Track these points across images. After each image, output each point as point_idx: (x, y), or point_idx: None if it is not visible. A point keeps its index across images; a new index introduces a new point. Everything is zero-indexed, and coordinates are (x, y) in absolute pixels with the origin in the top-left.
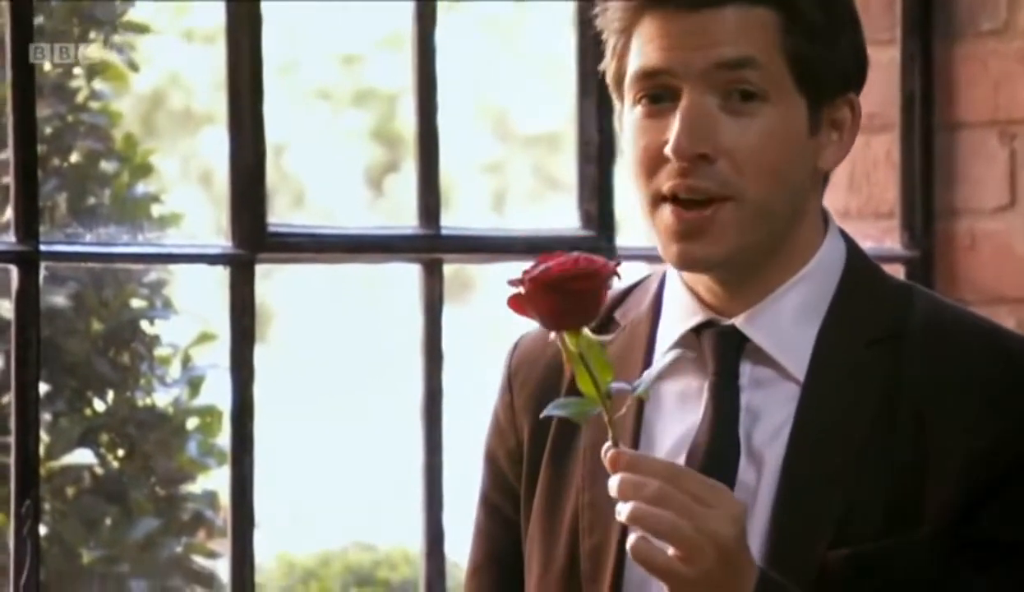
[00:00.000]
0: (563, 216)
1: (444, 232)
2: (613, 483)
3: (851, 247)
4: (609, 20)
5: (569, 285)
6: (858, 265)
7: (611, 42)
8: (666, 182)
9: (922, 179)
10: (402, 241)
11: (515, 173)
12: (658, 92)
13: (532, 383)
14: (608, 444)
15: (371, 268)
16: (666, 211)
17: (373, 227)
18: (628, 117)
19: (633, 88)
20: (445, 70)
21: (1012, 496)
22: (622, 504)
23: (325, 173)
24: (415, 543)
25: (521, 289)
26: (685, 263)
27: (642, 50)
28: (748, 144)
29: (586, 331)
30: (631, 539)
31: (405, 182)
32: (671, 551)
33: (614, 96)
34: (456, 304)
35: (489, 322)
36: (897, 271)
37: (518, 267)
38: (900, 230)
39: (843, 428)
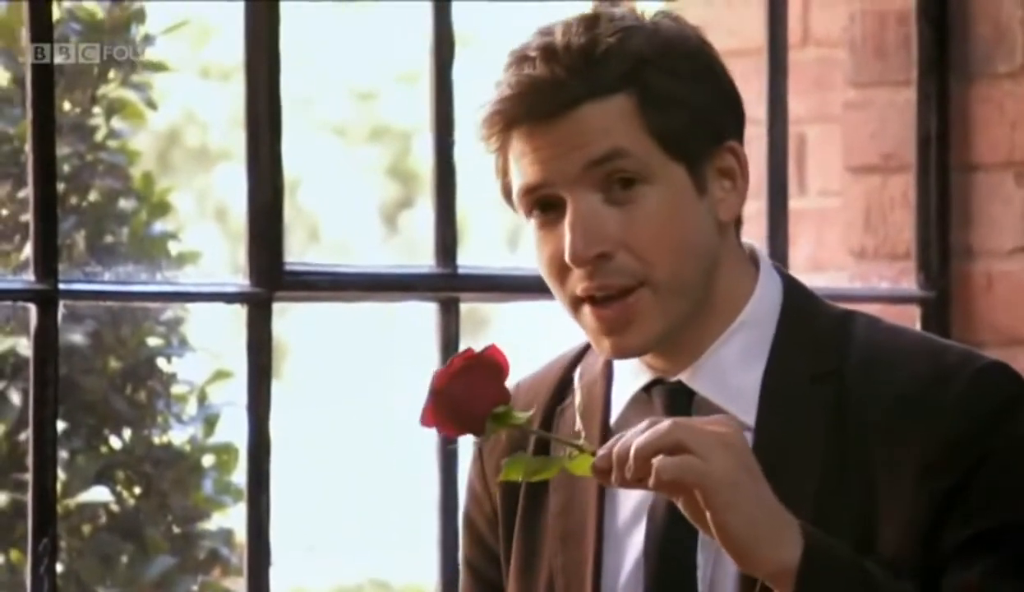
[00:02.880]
0: None
1: (461, 271)
2: (614, 456)
3: (788, 284)
4: (485, 140)
5: (454, 381)
6: (796, 302)
7: (495, 159)
8: (578, 285)
9: (938, 220)
10: (419, 280)
11: None
12: (544, 204)
13: (500, 450)
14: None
15: (387, 306)
16: (586, 312)
17: (390, 266)
18: (530, 229)
19: (521, 205)
20: (460, 106)
21: (970, 502)
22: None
23: (340, 209)
24: (430, 581)
25: (432, 422)
26: (620, 355)
27: (518, 167)
28: (642, 231)
29: (512, 413)
30: (656, 465)
31: (419, 218)
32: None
33: (508, 207)
34: (471, 341)
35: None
36: (913, 312)
37: (534, 306)
38: (916, 271)
39: (797, 467)
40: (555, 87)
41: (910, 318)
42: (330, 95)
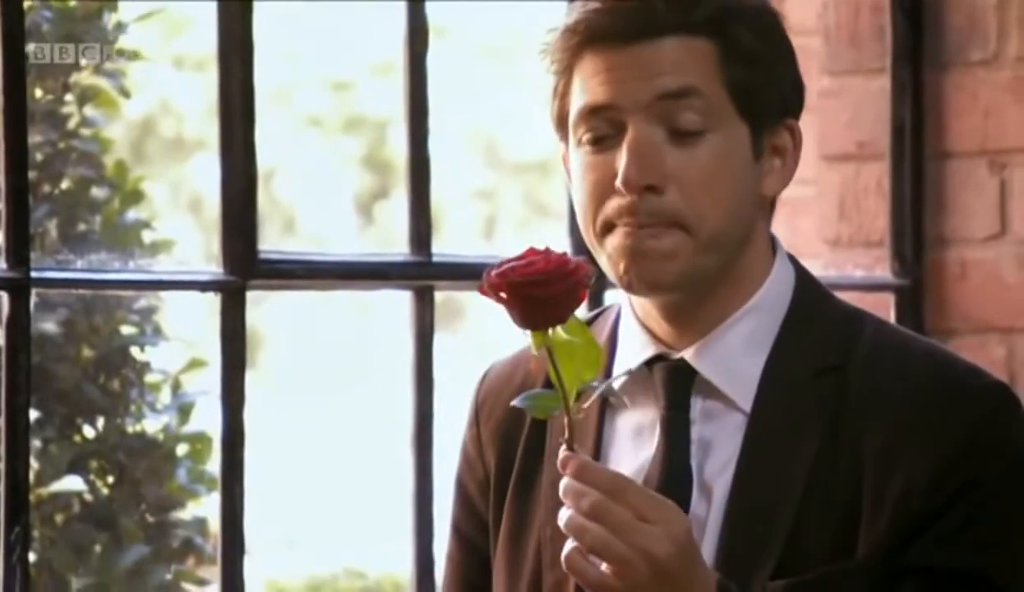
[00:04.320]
0: (553, 243)
1: (435, 259)
2: (561, 485)
3: (800, 274)
4: (550, 61)
5: (531, 291)
6: (807, 293)
7: (553, 82)
8: (617, 216)
9: (912, 208)
10: (393, 268)
11: (505, 200)
12: (603, 132)
13: (498, 414)
14: (564, 446)
15: (362, 294)
16: (616, 233)
17: (364, 254)
18: (574, 156)
19: (579, 127)
20: (436, 97)
21: (948, 526)
22: (563, 510)
23: (315, 199)
24: (405, 570)
25: (488, 283)
26: (636, 283)
27: (585, 87)
28: (695, 172)
29: (559, 330)
30: (566, 549)
31: (395, 209)
32: (605, 565)
33: (557, 136)
34: (447, 330)
35: (480, 348)
36: (887, 300)
37: None
38: (890, 259)
39: (788, 459)
40: (647, 10)
41: (884, 306)
42: (305, 86)
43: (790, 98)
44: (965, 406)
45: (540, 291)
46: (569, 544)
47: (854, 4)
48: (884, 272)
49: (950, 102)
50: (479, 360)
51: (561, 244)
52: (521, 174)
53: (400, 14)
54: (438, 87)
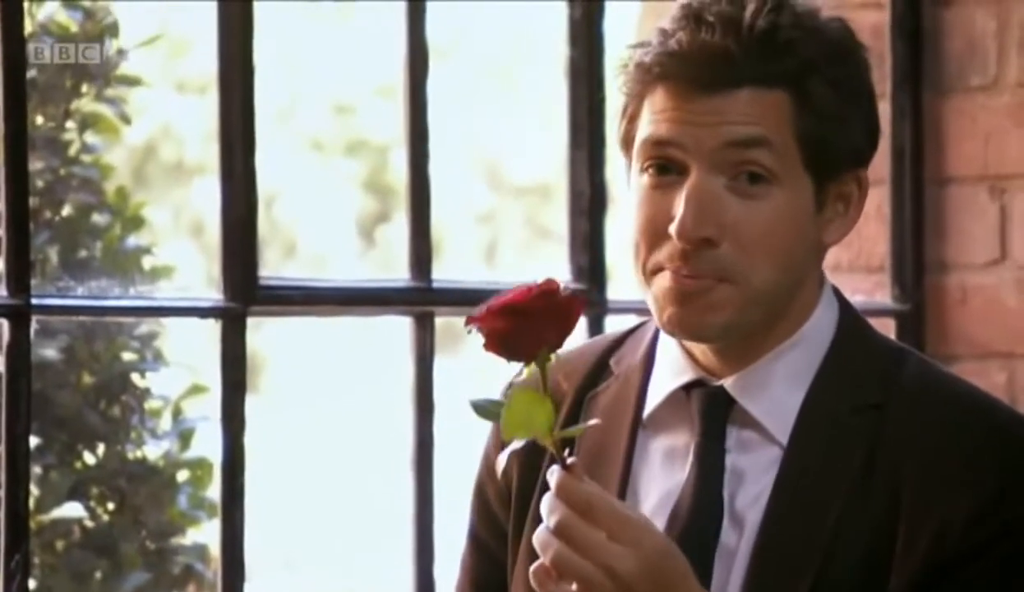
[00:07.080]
0: (554, 267)
1: (436, 285)
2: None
3: (844, 309)
4: (624, 82)
5: (522, 307)
6: (849, 329)
7: (624, 103)
8: (668, 261)
9: (912, 233)
10: (394, 294)
11: (507, 224)
12: (666, 164)
13: None
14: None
15: (363, 320)
16: (665, 275)
17: (365, 280)
18: (635, 181)
19: (641, 155)
20: (437, 120)
21: (977, 570)
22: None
23: (317, 223)
24: None
25: (479, 325)
26: (679, 330)
27: (653, 119)
28: (754, 227)
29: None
30: (534, 564)
31: (397, 232)
32: (574, 584)
33: (622, 154)
34: (447, 355)
35: (479, 373)
36: (888, 325)
37: None
38: (891, 284)
39: (822, 494)
40: (726, 62)
41: (885, 331)
42: (307, 109)
43: (862, 147)
44: (1006, 453)
45: (533, 304)
46: (537, 562)
47: (854, 29)
48: (884, 297)
49: (950, 127)
50: (479, 385)
51: (562, 268)
52: (522, 197)
53: (400, 37)
54: (438, 110)
